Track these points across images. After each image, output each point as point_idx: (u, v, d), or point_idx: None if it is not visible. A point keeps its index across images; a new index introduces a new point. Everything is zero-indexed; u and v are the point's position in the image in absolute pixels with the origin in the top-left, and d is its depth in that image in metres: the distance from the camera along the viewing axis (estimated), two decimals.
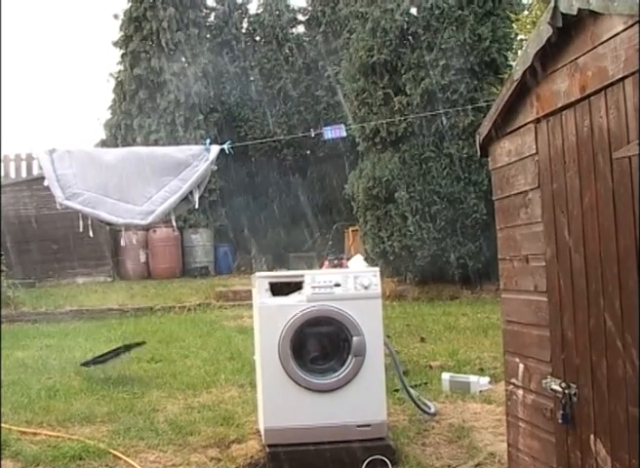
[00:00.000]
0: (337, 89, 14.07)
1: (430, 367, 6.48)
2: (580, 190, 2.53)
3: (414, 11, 10.96)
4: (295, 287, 4.43)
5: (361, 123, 11.10)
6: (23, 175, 15.52)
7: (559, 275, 2.72)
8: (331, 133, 7.26)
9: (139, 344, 6.78)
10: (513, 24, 9.20)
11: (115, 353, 6.47)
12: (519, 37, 9.88)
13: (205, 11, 16.74)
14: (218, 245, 15.68)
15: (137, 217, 5.71)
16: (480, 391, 5.56)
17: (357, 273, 4.56)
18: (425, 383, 5.84)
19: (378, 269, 4.62)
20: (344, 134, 7.31)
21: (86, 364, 6.44)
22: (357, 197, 11.48)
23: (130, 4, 15.70)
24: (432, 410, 4.99)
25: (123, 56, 15.86)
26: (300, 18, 16.88)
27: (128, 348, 6.62)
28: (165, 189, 5.72)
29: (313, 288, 4.37)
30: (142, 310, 11.06)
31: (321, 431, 4.29)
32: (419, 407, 4.95)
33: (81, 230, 5.75)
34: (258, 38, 16.81)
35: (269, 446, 4.32)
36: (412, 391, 5.48)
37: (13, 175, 15.65)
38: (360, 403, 4.32)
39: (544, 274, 2.84)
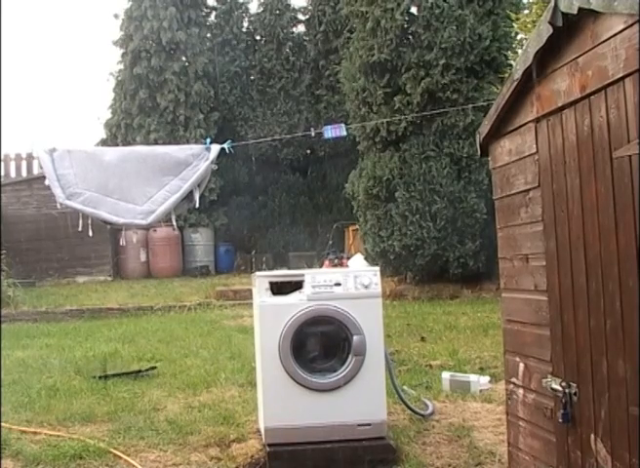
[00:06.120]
0: (337, 88, 14.06)
1: (430, 366, 6.48)
2: (581, 189, 2.53)
3: (414, 10, 10.95)
4: (295, 286, 4.42)
5: (361, 122, 11.10)
6: (24, 174, 15.51)
7: (559, 274, 2.72)
8: (331, 132, 7.25)
9: (153, 368, 6.70)
10: (513, 24, 9.17)
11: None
12: (519, 36, 9.86)
13: (205, 10, 16.74)
14: (218, 244, 15.71)
15: (137, 217, 5.70)
16: (480, 390, 5.56)
17: (357, 272, 4.55)
18: (427, 382, 5.84)
19: (378, 268, 4.62)
20: (345, 133, 7.29)
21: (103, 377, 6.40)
22: (357, 196, 11.48)
23: (130, 3, 15.71)
24: (429, 411, 4.99)
25: (123, 55, 15.87)
26: (301, 17, 16.88)
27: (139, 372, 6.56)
28: (165, 189, 5.71)
29: (313, 287, 4.37)
30: (143, 309, 11.07)
31: (321, 430, 4.29)
32: (412, 410, 4.94)
33: (81, 230, 5.74)
34: (258, 37, 16.81)
35: (269, 445, 4.32)
36: (411, 392, 5.49)
37: (13, 174, 15.64)
38: (360, 402, 4.31)
39: (545, 273, 2.84)
